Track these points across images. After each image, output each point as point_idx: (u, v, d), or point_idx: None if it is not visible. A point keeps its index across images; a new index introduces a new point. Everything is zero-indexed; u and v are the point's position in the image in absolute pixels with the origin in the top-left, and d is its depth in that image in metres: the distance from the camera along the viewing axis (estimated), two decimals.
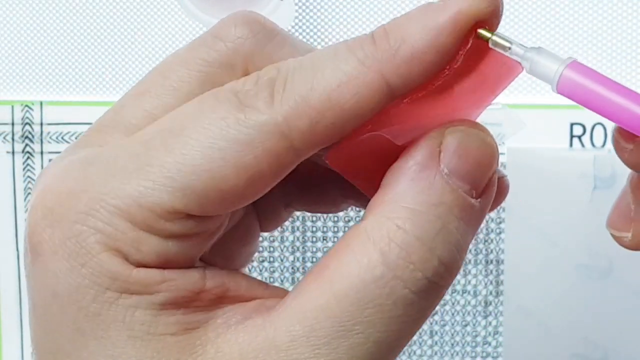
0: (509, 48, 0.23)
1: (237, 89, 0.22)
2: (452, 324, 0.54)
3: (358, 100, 0.21)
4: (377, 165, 0.22)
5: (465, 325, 0.54)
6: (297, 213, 0.53)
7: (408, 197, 0.21)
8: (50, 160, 0.55)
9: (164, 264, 0.22)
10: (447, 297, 0.54)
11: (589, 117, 0.51)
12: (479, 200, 0.22)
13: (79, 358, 0.22)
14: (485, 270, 0.53)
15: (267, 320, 0.22)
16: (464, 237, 0.22)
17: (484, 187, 0.22)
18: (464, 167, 0.22)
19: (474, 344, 0.54)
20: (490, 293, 0.53)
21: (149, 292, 0.21)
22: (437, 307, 0.57)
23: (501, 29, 0.24)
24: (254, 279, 0.24)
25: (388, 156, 0.22)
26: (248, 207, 0.25)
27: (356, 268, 0.21)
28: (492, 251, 0.53)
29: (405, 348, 0.55)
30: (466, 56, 0.22)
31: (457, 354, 0.54)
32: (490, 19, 0.22)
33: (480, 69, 0.22)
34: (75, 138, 0.54)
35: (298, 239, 0.53)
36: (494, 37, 0.22)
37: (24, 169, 0.55)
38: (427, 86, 0.22)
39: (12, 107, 0.55)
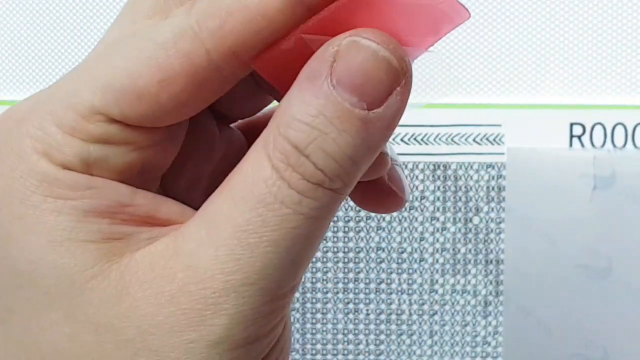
0: None
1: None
2: (452, 324, 0.54)
3: (264, 3, 0.21)
4: (298, 70, 0.23)
5: (465, 325, 0.54)
6: None
7: (294, 107, 0.22)
8: None
9: (87, 170, 0.22)
10: (447, 297, 0.54)
11: (588, 117, 0.51)
12: (371, 112, 0.22)
13: (0, 262, 0.22)
14: (485, 270, 0.53)
15: (178, 231, 0.22)
16: (348, 148, 0.22)
17: (379, 100, 0.22)
18: (352, 79, 0.21)
19: (473, 344, 0.54)
20: (490, 293, 0.53)
21: (73, 197, 0.22)
22: (437, 307, 0.57)
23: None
24: (189, 208, 0.24)
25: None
26: (240, 159, 0.26)
27: (250, 173, 0.22)
28: (492, 251, 0.53)
29: (405, 348, 0.55)
30: None
31: (457, 354, 0.54)
32: None
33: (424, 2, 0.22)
34: None
35: None
36: None
37: None
38: None
39: None
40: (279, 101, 0.24)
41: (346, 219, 0.53)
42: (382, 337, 0.55)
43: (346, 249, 0.54)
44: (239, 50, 0.22)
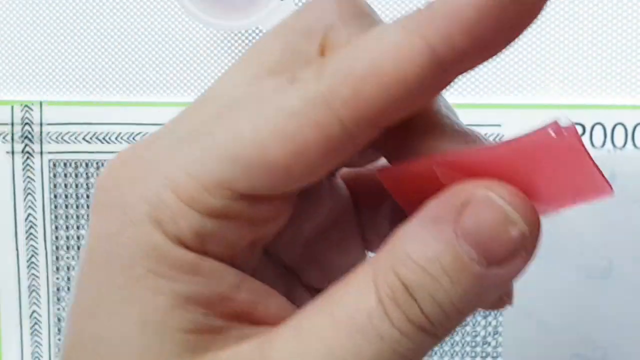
0: None
1: (300, 69, 0.22)
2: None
3: (398, 65, 0.20)
4: (420, 194, 0.22)
5: (465, 325, 0.54)
6: None
7: (413, 244, 0.21)
8: (50, 160, 0.55)
9: (200, 244, 0.21)
10: None
11: (588, 117, 0.51)
12: (490, 269, 0.21)
13: (87, 325, 0.21)
14: None
15: (268, 336, 0.21)
16: (458, 300, 0.21)
17: (500, 260, 0.21)
18: (478, 235, 0.21)
19: (473, 344, 0.54)
20: None
21: (177, 279, 0.21)
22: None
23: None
24: (287, 302, 0.23)
25: (432, 190, 0.22)
26: (345, 211, 0.24)
27: (354, 298, 0.21)
28: None
29: None
30: (555, 151, 0.20)
31: (457, 354, 0.54)
32: None
33: (564, 169, 0.21)
34: (75, 138, 0.54)
35: None
36: None
37: (23, 169, 0.55)
38: (502, 149, 0.21)
39: (12, 107, 0.55)
40: (389, 161, 0.23)
41: None
42: None
43: None
44: (374, 118, 0.21)
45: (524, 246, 0.21)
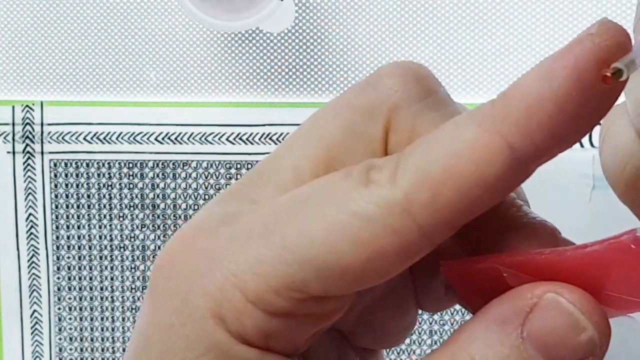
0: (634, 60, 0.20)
1: (371, 164, 0.21)
2: (452, 324, 0.54)
3: (478, 166, 0.19)
4: (485, 292, 0.21)
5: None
6: None
7: (476, 345, 0.20)
8: (51, 160, 0.55)
9: (264, 342, 0.21)
10: None
11: None
12: None
13: None
14: None
15: None
16: None
17: None
18: (545, 339, 0.20)
19: None
20: None
21: None
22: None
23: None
24: None
25: (497, 289, 0.21)
26: (403, 276, 0.24)
27: None
28: None
29: (405, 347, 0.55)
30: (631, 260, 0.20)
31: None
32: (616, 54, 0.19)
33: (629, 265, 0.20)
34: (76, 138, 0.54)
35: None
36: (620, 65, 0.19)
37: (24, 169, 0.55)
38: (575, 256, 0.21)
39: (13, 107, 0.55)
40: (459, 250, 0.23)
41: None
42: None
43: None
44: (453, 220, 0.20)
45: (593, 353, 0.20)
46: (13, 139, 0.55)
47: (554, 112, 0.19)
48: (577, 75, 0.19)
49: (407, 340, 0.54)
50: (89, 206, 0.55)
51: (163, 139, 0.54)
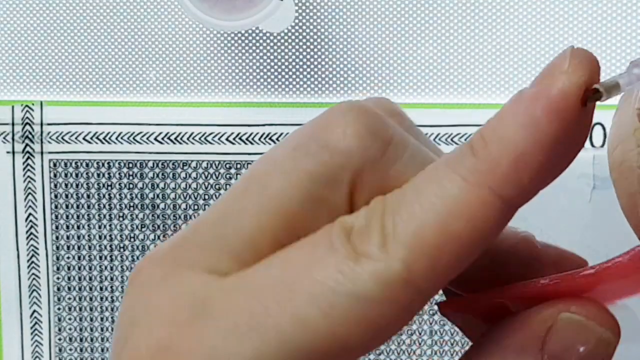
0: (618, 85, 0.20)
1: (348, 228, 0.20)
2: (452, 324, 0.54)
3: (475, 225, 0.19)
4: (484, 319, 0.22)
5: None
6: None
7: None
8: (50, 160, 0.55)
9: None
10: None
11: None
12: None
13: None
14: None
15: None
16: None
17: None
18: (565, 357, 0.20)
19: None
20: None
21: None
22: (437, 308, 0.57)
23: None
24: None
25: (497, 314, 0.21)
26: None
27: None
28: None
29: (405, 348, 0.55)
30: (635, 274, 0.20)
31: (457, 353, 0.54)
32: (590, 84, 0.19)
33: (634, 277, 0.21)
34: (76, 138, 0.54)
35: None
36: (601, 88, 0.19)
37: (24, 169, 0.55)
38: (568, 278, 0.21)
39: (13, 107, 0.55)
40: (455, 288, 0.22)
41: None
42: None
43: None
44: (452, 276, 0.20)
45: (608, 352, 0.21)
46: (13, 139, 0.55)
47: (542, 159, 0.19)
48: (560, 117, 0.19)
49: (407, 341, 0.54)
50: (88, 206, 0.55)
51: (163, 139, 0.54)
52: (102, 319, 0.56)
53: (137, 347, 0.20)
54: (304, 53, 0.54)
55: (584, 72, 0.19)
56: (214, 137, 0.54)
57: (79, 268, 0.56)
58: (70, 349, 0.56)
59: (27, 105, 0.55)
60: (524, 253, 0.22)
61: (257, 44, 0.54)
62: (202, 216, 0.21)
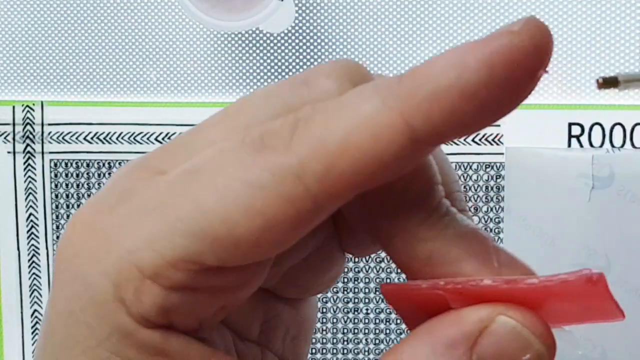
0: (618, 82, 0.19)
1: (267, 128, 0.20)
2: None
3: (376, 143, 0.19)
4: (427, 314, 0.21)
5: None
6: None
7: None
8: (51, 160, 0.55)
9: (165, 319, 0.20)
10: None
11: (587, 117, 0.51)
12: None
13: None
14: None
15: None
16: None
17: None
18: None
19: None
20: None
21: None
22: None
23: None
24: None
25: (437, 308, 0.21)
26: (327, 231, 0.24)
27: None
28: None
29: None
30: (580, 293, 0.20)
31: None
32: (532, 56, 0.19)
33: (581, 300, 0.21)
34: (77, 138, 0.55)
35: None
36: (622, 82, 0.19)
37: (24, 169, 0.55)
38: (519, 285, 0.21)
39: (13, 107, 0.55)
40: (385, 249, 0.22)
41: None
42: (382, 337, 0.55)
43: None
44: (347, 192, 0.20)
45: None
46: (13, 139, 0.55)
47: (458, 102, 0.19)
48: (488, 71, 0.19)
49: None
50: None
51: (163, 139, 0.54)
52: None
53: (69, 224, 0.22)
54: (304, 53, 0.54)
55: (529, 39, 0.19)
56: None
57: None
58: None
59: (27, 106, 0.55)
60: (470, 242, 0.22)
61: (257, 44, 0.54)
62: (193, 127, 0.23)
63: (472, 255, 0.21)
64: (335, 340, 0.55)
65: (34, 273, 0.56)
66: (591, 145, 0.51)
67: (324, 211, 0.20)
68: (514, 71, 0.19)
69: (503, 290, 0.20)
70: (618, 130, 0.51)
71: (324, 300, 0.55)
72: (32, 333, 0.56)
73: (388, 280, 0.54)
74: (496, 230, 0.53)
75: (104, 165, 0.55)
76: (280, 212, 0.20)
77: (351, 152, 0.19)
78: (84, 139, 0.55)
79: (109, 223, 0.21)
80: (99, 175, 0.55)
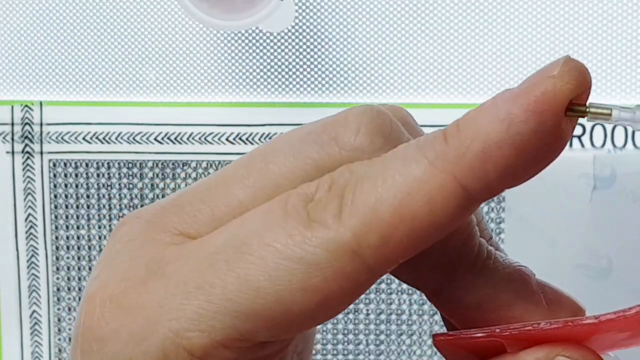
0: (609, 114, 0.20)
1: (307, 197, 0.20)
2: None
3: (431, 209, 0.19)
4: (478, 356, 0.22)
5: None
6: None
7: None
8: (50, 160, 0.55)
9: None
10: None
11: None
12: None
13: None
14: None
15: None
16: None
17: None
18: None
19: None
20: None
21: None
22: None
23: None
24: None
25: (494, 354, 0.21)
26: None
27: None
28: None
29: (405, 348, 0.55)
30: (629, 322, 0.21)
31: None
32: (577, 95, 0.19)
33: (634, 329, 0.21)
34: (76, 138, 0.54)
35: None
36: (589, 107, 0.19)
37: (23, 169, 0.55)
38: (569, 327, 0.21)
39: (12, 107, 0.55)
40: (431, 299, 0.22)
41: None
42: (382, 337, 0.55)
43: None
44: (402, 258, 0.19)
45: None
46: (12, 139, 0.55)
47: (511, 157, 0.19)
48: (537, 120, 0.19)
49: (408, 341, 0.54)
50: (88, 206, 0.55)
51: (163, 139, 0.54)
52: None
53: (92, 299, 0.20)
54: (304, 53, 0.54)
55: (572, 81, 0.19)
56: (214, 137, 0.54)
57: (79, 268, 0.56)
58: (70, 350, 0.56)
59: (26, 105, 0.55)
60: (517, 284, 0.22)
61: (257, 44, 0.54)
62: (202, 180, 0.22)
63: (520, 298, 0.21)
64: (335, 341, 0.55)
65: (32, 274, 0.56)
66: (593, 145, 0.51)
67: (377, 277, 0.20)
68: (561, 115, 0.19)
69: (560, 332, 0.20)
70: (620, 130, 0.51)
71: None
72: (31, 334, 0.56)
73: (389, 281, 0.54)
74: (497, 231, 0.53)
75: (103, 165, 0.55)
76: (337, 287, 0.19)
77: (406, 220, 0.19)
78: (83, 138, 0.54)
79: (147, 301, 0.20)
80: (98, 175, 0.55)
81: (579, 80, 0.19)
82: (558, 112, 0.19)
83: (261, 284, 0.19)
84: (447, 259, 0.21)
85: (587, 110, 0.19)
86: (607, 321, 0.20)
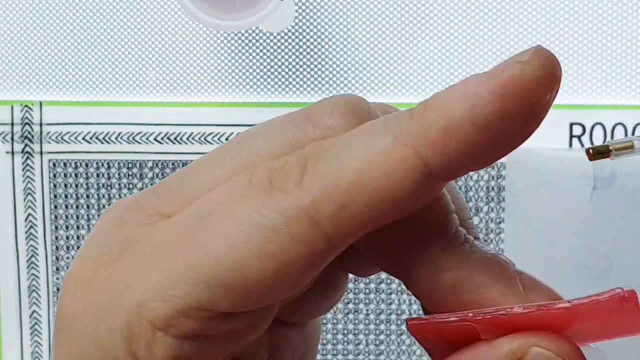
0: (632, 146, 0.20)
1: (273, 169, 0.20)
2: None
3: (390, 181, 0.19)
4: (452, 344, 0.21)
5: None
6: None
7: None
8: (50, 160, 0.55)
9: None
10: None
11: (588, 117, 0.51)
12: None
13: None
14: None
15: None
16: None
17: None
18: None
19: None
20: None
21: None
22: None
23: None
24: None
25: (466, 340, 0.21)
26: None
27: None
28: None
29: (405, 348, 0.55)
30: (612, 312, 0.21)
31: None
32: (544, 85, 0.19)
33: (611, 317, 0.21)
34: (75, 138, 0.54)
35: None
36: (611, 146, 0.19)
37: (23, 169, 0.55)
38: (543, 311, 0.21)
39: (12, 107, 0.55)
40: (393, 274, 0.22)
41: None
42: (382, 337, 0.55)
43: None
44: (360, 230, 0.19)
45: None
46: (12, 139, 0.55)
47: (473, 136, 0.19)
48: (501, 102, 0.19)
49: (408, 341, 0.54)
50: (88, 206, 0.55)
51: (163, 139, 0.54)
52: None
53: (67, 281, 0.21)
54: (304, 53, 0.54)
55: (540, 68, 0.20)
56: (213, 137, 0.54)
57: None
58: None
59: (26, 105, 0.55)
60: (493, 268, 0.21)
61: (257, 44, 0.54)
62: (187, 165, 0.22)
63: (496, 281, 0.21)
64: (335, 341, 0.55)
65: (32, 274, 0.56)
66: (592, 145, 0.51)
67: (337, 250, 0.20)
68: (526, 101, 0.19)
69: (533, 317, 0.20)
70: (619, 130, 0.51)
71: None
72: (31, 334, 0.56)
73: (389, 281, 0.54)
74: (497, 231, 0.53)
75: (102, 165, 0.55)
76: (294, 254, 0.19)
77: (365, 190, 0.19)
78: (83, 138, 0.54)
79: (114, 277, 0.20)
80: (97, 175, 0.55)
81: (547, 69, 0.20)
82: (524, 97, 0.19)
83: (221, 250, 0.19)
84: (419, 239, 0.21)
85: (610, 149, 0.19)
86: (580, 305, 0.20)
